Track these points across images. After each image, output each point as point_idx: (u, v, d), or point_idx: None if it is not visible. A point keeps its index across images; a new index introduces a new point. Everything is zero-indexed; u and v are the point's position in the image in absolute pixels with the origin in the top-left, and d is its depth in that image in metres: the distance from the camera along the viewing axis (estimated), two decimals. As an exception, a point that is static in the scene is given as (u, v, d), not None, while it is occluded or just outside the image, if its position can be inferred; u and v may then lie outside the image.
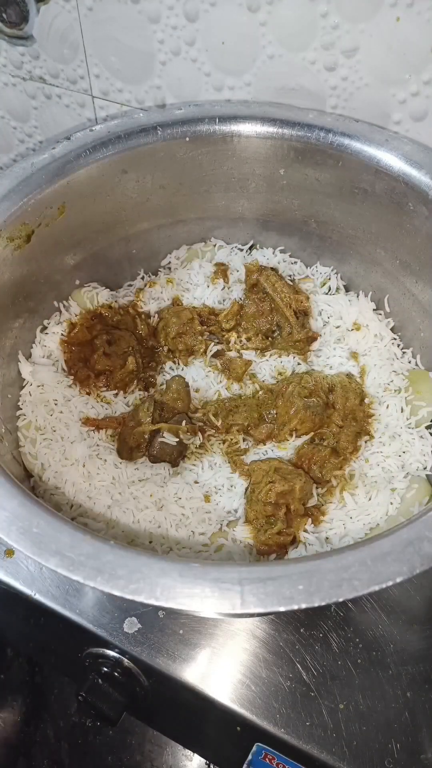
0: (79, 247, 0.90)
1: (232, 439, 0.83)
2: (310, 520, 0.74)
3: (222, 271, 0.98)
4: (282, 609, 0.48)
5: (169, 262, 1.01)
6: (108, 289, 0.95)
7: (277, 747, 0.69)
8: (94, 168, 0.83)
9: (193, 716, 0.82)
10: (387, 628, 0.76)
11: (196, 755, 1.12)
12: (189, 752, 1.13)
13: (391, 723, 0.70)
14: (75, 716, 1.17)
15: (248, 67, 0.87)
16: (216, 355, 0.91)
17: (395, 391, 0.86)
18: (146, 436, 0.80)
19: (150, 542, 0.73)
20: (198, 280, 0.97)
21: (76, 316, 0.90)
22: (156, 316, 0.95)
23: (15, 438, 0.79)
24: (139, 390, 0.87)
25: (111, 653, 0.75)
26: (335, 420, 0.83)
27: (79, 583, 0.50)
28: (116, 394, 0.86)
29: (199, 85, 0.92)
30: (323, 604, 0.48)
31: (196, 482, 0.79)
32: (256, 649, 0.75)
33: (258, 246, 1.01)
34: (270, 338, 0.93)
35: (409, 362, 0.88)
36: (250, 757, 0.69)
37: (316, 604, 0.48)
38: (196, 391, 0.88)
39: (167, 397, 0.85)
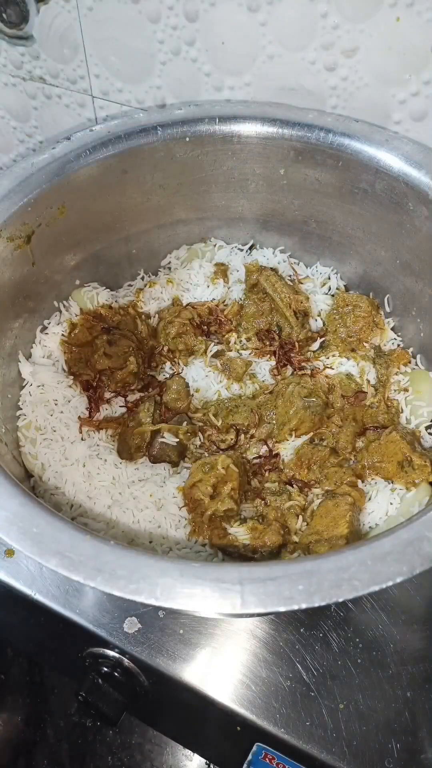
0: (79, 247, 0.90)
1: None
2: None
3: (222, 271, 0.98)
4: (282, 609, 0.48)
5: (169, 262, 1.01)
6: (108, 289, 0.95)
7: (277, 747, 0.69)
8: (94, 168, 0.83)
9: (193, 716, 0.82)
10: (387, 628, 0.76)
11: (196, 755, 1.13)
12: (189, 752, 1.13)
13: (391, 723, 0.70)
14: (75, 716, 1.17)
15: (248, 67, 0.87)
16: (216, 355, 0.91)
17: (395, 391, 0.86)
18: (146, 437, 0.80)
19: (150, 542, 0.74)
20: (198, 280, 0.97)
21: (76, 316, 0.90)
22: (156, 316, 0.95)
23: (15, 438, 0.79)
24: (139, 390, 0.87)
25: (111, 653, 0.75)
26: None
27: (79, 583, 0.50)
28: (117, 395, 0.86)
29: (199, 85, 0.92)
30: (323, 604, 0.48)
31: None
32: (256, 649, 0.75)
33: (258, 246, 1.01)
34: (269, 342, 0.92)
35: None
36: (250, 757, 0.69)
37: (316, 604, 0.48)
38: (196, 391, 0.88)
39: (167, 397, 0.85)
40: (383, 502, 0.75)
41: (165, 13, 0.85)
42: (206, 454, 0.81)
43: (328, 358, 0.90)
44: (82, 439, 0.80)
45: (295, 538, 0.73)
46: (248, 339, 0.93)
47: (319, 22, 0.78)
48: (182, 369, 0.90)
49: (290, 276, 0.97)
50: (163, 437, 0.80)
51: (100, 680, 0.75)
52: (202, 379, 0.89)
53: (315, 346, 0.92)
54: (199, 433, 0.83)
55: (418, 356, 0.88)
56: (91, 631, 0.74)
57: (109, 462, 0.79)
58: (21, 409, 0.81)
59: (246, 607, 0.48)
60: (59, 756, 1.15)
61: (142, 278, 1.00)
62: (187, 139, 0.86)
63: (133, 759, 1.14)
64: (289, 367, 0.89)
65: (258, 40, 0.83)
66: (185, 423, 0.83)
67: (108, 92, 1.00)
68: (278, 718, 0.70)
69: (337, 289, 0.97)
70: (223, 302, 0.96)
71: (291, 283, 0.95)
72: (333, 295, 0.96)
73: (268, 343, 0.92)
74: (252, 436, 0.83)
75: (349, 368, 0.88)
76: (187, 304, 0.95)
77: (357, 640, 0.75)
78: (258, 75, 0.87)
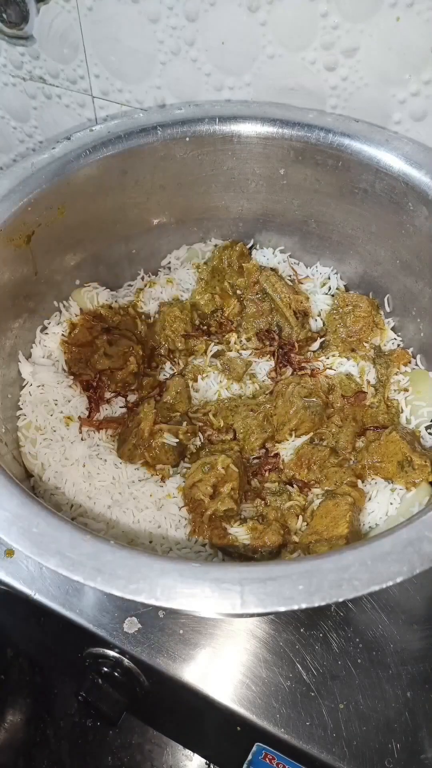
0: (79, 247, 0.90)
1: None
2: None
3: (222, 271, 0.98)
4: (282, 609, 0.48)
5: (169, 262, 1.01)
6: (108, 289, 0.95)
7: (277, 747, 0.69)
8: (94, 168, 0.83)
9: (193, 716, 0.82)
10: (387, 628, 0.76)
11: (196, 755, 1.13)
12: (189, 752, 1.13)
13: (391, 723, 0.70)
14: (75, 716, 1.17)
15: (248, 67, 0.87)
16: (216, 355, 0.91)
17: (395, 391, 0.86)
18: (146, 437, 0.80)
19: (150, 542, 0.74)
20: (198, 280, 0.97)
21: (76, 316, 0.90)
22: (156, 316, 0.95)
23: (15, 438, 0.79)
24: (139, 390, 0.87)
25: (111, 653, 0.75)
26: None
27: (79, 583, 0.50)
28: (117, 395, 0.86)
29: (199, 85, 0.92)
30: (323, 604, 0.48)
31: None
32: (256, 649, 0.75)
33: (258, 246, 1.01)
34: (269, 342, 0.92)
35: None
36: (250, 757, 0.69)
37: (316, 604, 0.48)
38: (196, 391, 0.88)
39: (168, 397, 0.85)
40: (383, 502, 0.75)
41: (165, 13, 0.85)
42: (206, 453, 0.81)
43: (328, 358, 0.90)
44: (82, 439, 0.80)
45: (295, 538, 0.73)
46: (248, 339, 0.93)
47: (319, 22, 0.78)
48: (184, 366, 0.90)
49: (290, 276, 0.97)
50: (163, 437, 0.80)
51: (100, 680, 0.75)
52: (202, 378, 0.89)
53: (315, 346, 0.92)
54: (199, 433, 0.83)
55: (418, 356, 0.88)
56: (91, 631, 0.74)
57: (109, 462, 0.79)
58: (21, 409, 0.81)
59: (246, 607, 0.48)
60: (59, 756, 1.15)
61: (142, 278, 1.00)
62: (187, 139, 0.86)
63: (133, 759, 1.14)
64: (288, 367, 0.89)
65: (258, 40, 0.83)
66: (185, 423, 0.83)
67: (108, 92, 1.00)
68: (278, 718, 0.70)
69: (337, 289, 0.97)
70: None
71: (291, 283, 0.95)
72: (333, 295, 0.96)
73: (268, 343, 0.92)
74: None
75: (349, 368, 0.88)
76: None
77: (357, 640, 0.75)
78: (258, 75, 0.87)
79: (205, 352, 0.91)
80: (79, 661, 0.78)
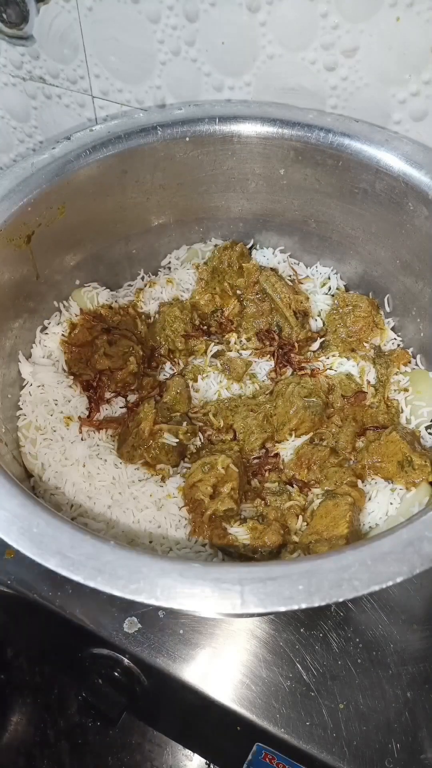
0: (79, 247, 0.90)
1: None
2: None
3: (222, 271, 0.98)
4: (282, 609, 0.48)
5: (169, 262, 1.01)
6: (108, 289, 0.95)
7: (277, 747, 0.69)
8: (94, 168, 0.83)
9: (193, 716, 0.82)
10: (387, 628, 0.76)
11: (196, 755, 1.12)
12: (189, 752, 1.13)
13: (391, 723, 0.70)
14: (75, 716, 1.17)
15: (248, 67, 0.87)
16: (216, 355, 0.91)
17: (395, 391, 0.86)
18: (146, 437, 0.80)
19: (150, 542, 0.74)
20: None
21: (76, 316, 0.90)
22: (156, 316, 0.95)
23: (15, 438, 0.79)
24: (139, 390, 0.87)
25: (111, 653, 0.75)
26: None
27: (79, 583, 0.50)
28: (117, 395, 0.86)
29: (199, 85, 0.92)
30: (323, 604, 0.48)
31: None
32: (256, 649, 0.75)
33: (258, 246, 1.01)
34: (269, 342, 0.92)
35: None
36: (250, 757, 0.69)
37: (316, 604, 0.48)
38: (196, 391, 0.88)
39: (168, 397, 0.85)
40: (383, 502, 0.75)
41: (165, 13, 0.85)
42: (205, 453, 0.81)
43: (328, 358, 0.90)
44: (82, 439, 0.80)
45: (295, 538, 0.73)
46: (248, 339, 0.93)
47: (319, 22, 0.78)
48: (182, 369, 0.90)
49: (290, 276, 0.97)
50: (163, 437, 0.80)
51: (100, 680, 0.75)
52: (202, 379, 0.89)
53: (315, 346, 0.92)
54: (199, 433, 0.83)
55: (418, 356, 0.88)
56: (91, 631, 0.74)
57: (109, 462, 0.79)
58: (21, 409, 0.81)
59: (246, 607, 0.48)
60: (59, 756, 1.15)
61: (142, 278, 1.00)
62: (187, 139, 0.86)
63: (133, 759, 1.13)
64: (288, 367, 0.89)
65: (258, 40, 0.83)
66: (185, 423, 0.83)
67: (108, 92, 1.00)
68: (278, 718, 0.70)
69: (337, 289, 0.97)
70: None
71: (291, 283, 0.95)
72: (333, 295, 0.96)
73: (268, 343, 0.92)
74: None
75: (349, 368, 0.88)
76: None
77: (357, 640, 0.75)
78: (258, 75, 0.87)
79: (205, 352, 0.91)
80: (79, 661, 0.78)
